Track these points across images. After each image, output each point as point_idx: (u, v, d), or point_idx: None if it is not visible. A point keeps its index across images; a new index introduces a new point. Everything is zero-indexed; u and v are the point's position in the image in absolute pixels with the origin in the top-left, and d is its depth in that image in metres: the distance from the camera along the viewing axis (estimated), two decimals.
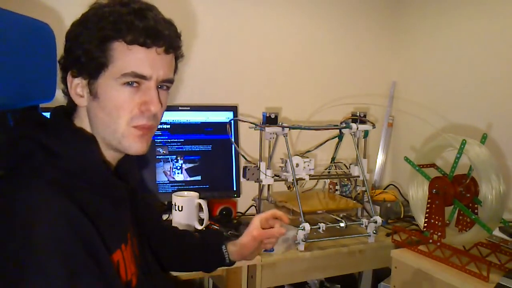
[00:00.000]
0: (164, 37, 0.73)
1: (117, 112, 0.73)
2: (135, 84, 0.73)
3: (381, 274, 1.53)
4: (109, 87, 0.73)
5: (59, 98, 0.82)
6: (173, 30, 0.77)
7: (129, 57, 0.71)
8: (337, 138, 1.59)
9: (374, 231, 1.39)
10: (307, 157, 1.48)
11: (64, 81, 0.77)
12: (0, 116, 0.81)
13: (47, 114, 0.80)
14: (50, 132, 0.73)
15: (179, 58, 0.82)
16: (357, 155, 1.52)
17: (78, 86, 0.75)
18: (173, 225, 1.36)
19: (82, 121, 0.78)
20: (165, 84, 0.78)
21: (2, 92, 0.72)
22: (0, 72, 0.71)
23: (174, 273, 1.16)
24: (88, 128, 0.78)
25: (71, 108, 0.79)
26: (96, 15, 0.72)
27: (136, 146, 0.76)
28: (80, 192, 0.69)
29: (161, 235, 1.08)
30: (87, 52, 0.72)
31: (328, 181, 1.68)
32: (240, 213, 1.62)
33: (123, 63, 0.71)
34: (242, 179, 1.48)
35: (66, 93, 0.78)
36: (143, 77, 0.73)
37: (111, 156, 0.80)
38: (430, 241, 1.24)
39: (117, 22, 0.71)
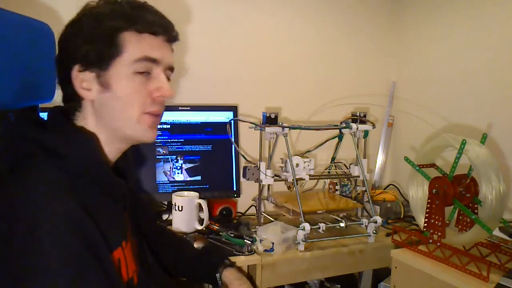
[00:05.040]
0: (169, 27, 0.79)
1: (132, 99, 0.76)
2: (145, 73, 0.77)
3: (381, 274, 1.53)
4: (122, 76, 0.75)
5: (59, 98, 0.82)
6: (171, 23, 0.81)
7: (141, 44, 0.76)
8: (337, 138, 1.59)
9: (374, 231, 1.39)
10: (307, 157, 1.48)
11: (64, 79, 0.77)
12: (2, 116, 0.81)
13: (45, 115, 0.80)
14: (50, 131, 0.73)
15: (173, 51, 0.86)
16: (357, 155, 1.52)
17: (84, 80, 0.76)
18: (172, 228, 1.36)
19: (85, 118, 0.78)
20: (169, 73, 0.82)
21: (2, 91, 0.72)
22: (1, 72, 0.71)
23: None
24: (91, 126, 0.78)
25: (71, 107, 0.78)
26: (108, 7, 0.75)
27: (148, 134, 0.79)
28: (81, 191, 0.69)
29: (157, 236, 1.08)
30: (99, 44, 0.74)
31: (328, 181, 1.68)
32: (240, 213, 1.62)
33: (136, 50, 0.75)
34: (242, 179, 1.48)
35: (69, 90, 0.77)
36: (154, 60, 0.77)
37: (113, 152, 0.80)
38: (430, 241, 1.23)
39: (127, 14, 0.75)
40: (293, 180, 1.38)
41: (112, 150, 0.80)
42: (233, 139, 1.55)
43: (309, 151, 1.66)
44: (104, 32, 0.74)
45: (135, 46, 0.75)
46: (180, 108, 1.55)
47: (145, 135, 0.79)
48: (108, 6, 0.76)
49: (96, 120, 0.77)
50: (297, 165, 1.44)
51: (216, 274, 1.05)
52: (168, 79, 0.82)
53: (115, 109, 0.76)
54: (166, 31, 0.78)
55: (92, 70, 0.75)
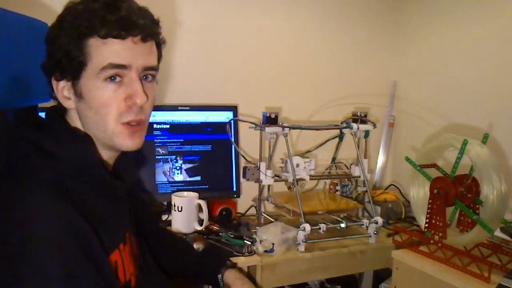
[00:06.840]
0: (139, 25, 0.72)
1: (104, 110, 0.72)
2: (117, 79, 0.72)
3: (382, 275, 1.53)
4: (92, 85, 0.72)
5: None
6: (148, 18, 0.75)
7: (105, 50, 0.71)
8: (337, 138, 1.59)
9: (375, 232, 1.38)
10: (308, 157, 1.48)
11: (50, 85, 0.76)
12: (0, 116, 0.80)
13: (43, 114, 0.79)
14: (47, 132, 0.73)
15: (162, 45, 0.81)
16: (357, 155, 1.51)
17: (64, 88, 0.75)
18: (172, 228, 1.36)
19: (74, 122, 0.77)
20: (149, 73, 0.77)
21: (1, 91, 0.72)
22: (0, 72, 0.71)
23: None
24: (81, 129, 0.77)
25: (62, 109, 0.78)
26: (70, 14, 0.71)
27: (127, 143, 0.75)
28: (77, 192, 0.69)
29: (157, 238, 1.08)
30: (66, 53, 0.71)
31: (328, 181, 1.68)
32: (240, 213, 1.62)
33: (100, 58, 0.71)
34: (242, 179, 1.48)
35: (54, 97, 0.77)
36: (121, 66, 0.72)
37: (107, 155, 0.79)
38: (431, 241, 1.23)
39: (90, 19, 0.70)
40: (293, 180, 1.38)
41: (104, 154, 0.79)
42: (233, 139, 1.55)
43: (309, 151, 1.65)
44: (72, 39, 0.70)
45: (99, 53, 0.70)
46: (179, 108, 1.54)
47: (124, 145, 0.76)
48: (82, 5, 0.71)
49: (82, 126, 0.77)
50: (298, 165, 1.43)
51: (218, 276, 1.04)
52: (152, 79, 0.78)
53: (91, 118, 0.74)
54: (135, 31, 0.72)
55: (67, 79, 0.73)
